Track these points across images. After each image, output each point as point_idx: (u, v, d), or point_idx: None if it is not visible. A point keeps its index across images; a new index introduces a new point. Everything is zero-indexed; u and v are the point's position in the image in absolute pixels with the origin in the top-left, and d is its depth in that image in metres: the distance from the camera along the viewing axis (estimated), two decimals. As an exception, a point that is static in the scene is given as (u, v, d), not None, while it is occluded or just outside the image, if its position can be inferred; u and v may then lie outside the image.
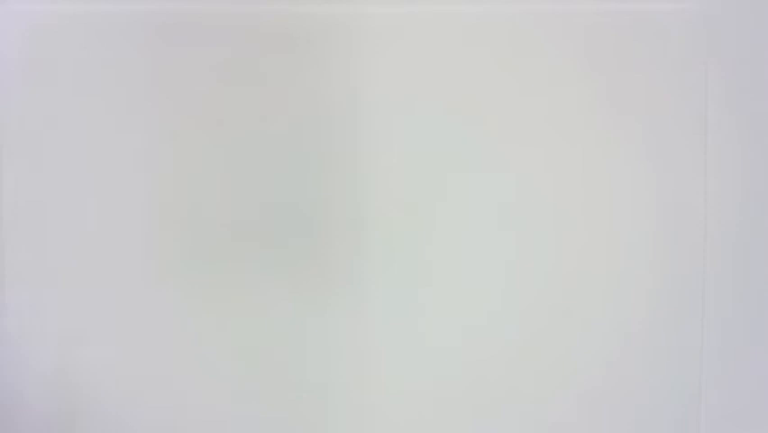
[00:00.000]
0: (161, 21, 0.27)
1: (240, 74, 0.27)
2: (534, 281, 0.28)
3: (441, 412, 0.27)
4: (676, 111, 0.29)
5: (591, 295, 0.27)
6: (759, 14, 0.29)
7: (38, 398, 0.27)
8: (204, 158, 0.27)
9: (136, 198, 0.27)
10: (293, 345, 0.27)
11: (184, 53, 0.27)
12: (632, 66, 0.29)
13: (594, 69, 0.29)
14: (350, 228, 0.28)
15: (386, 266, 0.27)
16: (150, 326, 0.27)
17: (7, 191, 0.27)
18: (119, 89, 0.27)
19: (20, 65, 0.27)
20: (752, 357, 0.27)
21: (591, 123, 0.28)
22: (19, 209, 0.27)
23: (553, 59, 0.28)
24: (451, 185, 0.28)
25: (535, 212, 0.28)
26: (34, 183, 0.27)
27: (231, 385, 0.27)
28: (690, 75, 0.29)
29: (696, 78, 0.29)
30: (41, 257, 0.27)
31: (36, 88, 0.27)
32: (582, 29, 0.29)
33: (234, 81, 0.27)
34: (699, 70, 0.29)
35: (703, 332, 0.27)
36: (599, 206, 0.28)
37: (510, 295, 0.27)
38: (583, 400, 0.27)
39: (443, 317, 0.27)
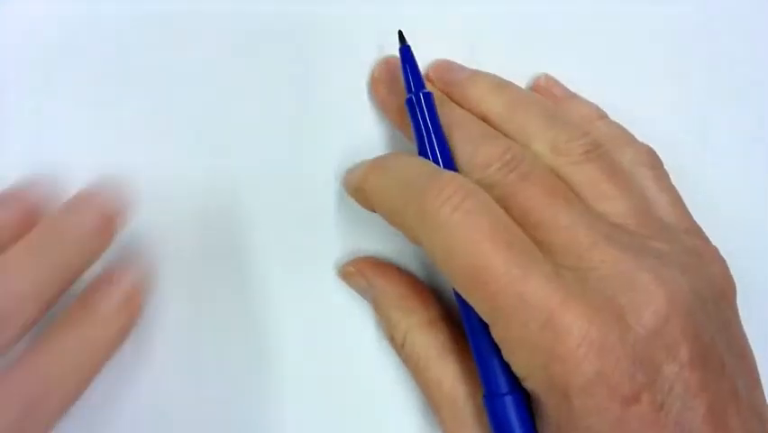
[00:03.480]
0: (160, 22, 0.27)
1: (239, 74, 0.27)
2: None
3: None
4: (676, 111, 0.29)
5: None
6: (759, 15, 0.29)
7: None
8: (202, 158, 0.27)
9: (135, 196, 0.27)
10: (293, 343, 0.27)
11: (183, 54, 0.27)
12: (632, 66, 0.29)
13: (594, 69, 0.29)
14: (349, 228, 0.28)
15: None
16: (149, 316, 0.27)
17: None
18: (117, 91, 0.27)
19: (19, 66, 0.27)
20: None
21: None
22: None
23: (552, 59, 0.29)
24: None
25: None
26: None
27: (230, 383, 0.27)
28: (690, 75, 0.29)
29: (696, 77, 0.29)
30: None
31: (37, 88, 0.27)
32: (582, 29, 0.29)
33: (233, 81, 0.27)
34: (699, 70, 0.29)
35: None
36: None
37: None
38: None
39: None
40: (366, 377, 0.27)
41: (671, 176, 0.26)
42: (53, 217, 0.23)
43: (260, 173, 0.27)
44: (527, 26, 0.29)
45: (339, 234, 0.28)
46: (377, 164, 0.24)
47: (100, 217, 0.23)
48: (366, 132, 0.28)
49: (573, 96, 0.28)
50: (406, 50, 0.25)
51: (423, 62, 0.27)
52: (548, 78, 0.28)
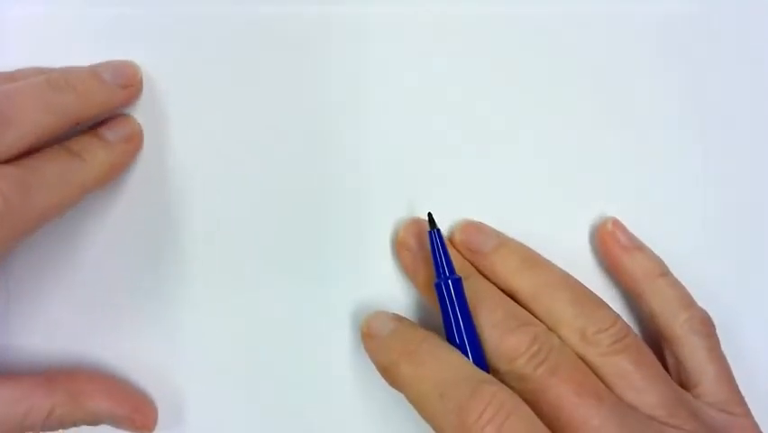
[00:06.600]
0: (160, 23, 0.27)
1: (238, 75, 0.27)
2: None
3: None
4: (676, 111, 0.29)
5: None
6: (759, 14, 0.29)
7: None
8: (202, 157, 0.27)
9: (137, 194, 0.27)
10: (295, 341, 0.27)
11: (183, 55, 0.27)
12: (632, 66, 0.29)
13: (593, 70, 0.29)
14: (350, 227, 0.28)
15: (385, 264, 0.28)
16: (152, 318, 0.27)
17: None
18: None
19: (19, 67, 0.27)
20: (752, 357, 0.27)
21: (590, 123, 0.28)
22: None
23: (552, 59, 0.29)
24: (451, 185, 0.28)
25: (535, 211, 0.28)
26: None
27: (231, 382, 0.27)
28: (689, 75, 0.29)
29: (696, 78, 0.29)
30: (45, 255, 0.27)
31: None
32: (582, 30, 0.29)
33: (233, 82, 0.27)
34: (698, 70, 0.29)
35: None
36: (599, 205, 0.28)
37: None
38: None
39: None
40: (374, 380, 0.27)
41: (670, 175, 0.26)
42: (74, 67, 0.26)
43: (262, 174, 0.28)
44: (527, 25, 0.29)
45: (340, 233, 0.28)
46: (411, 352, 0.24)
47: (113, 75, 0.26)
48: (368, 131, 0.28)
49: (639, 248, 0.27)
50: (435, 234, 0.25)
51: (423, 49, 0.28)
52: (615, 223, 0.28)
